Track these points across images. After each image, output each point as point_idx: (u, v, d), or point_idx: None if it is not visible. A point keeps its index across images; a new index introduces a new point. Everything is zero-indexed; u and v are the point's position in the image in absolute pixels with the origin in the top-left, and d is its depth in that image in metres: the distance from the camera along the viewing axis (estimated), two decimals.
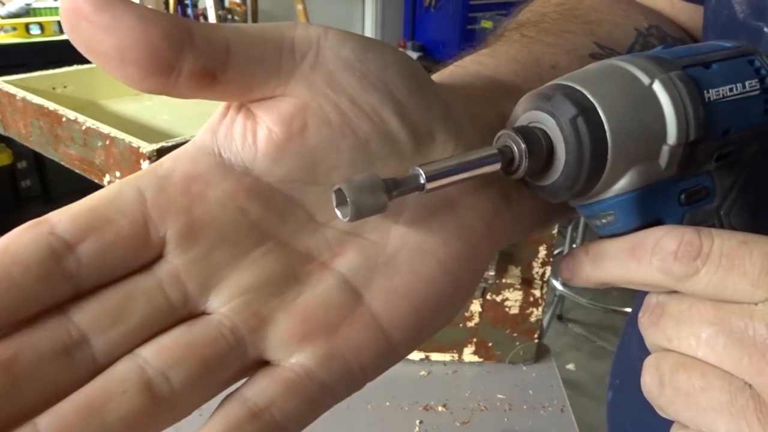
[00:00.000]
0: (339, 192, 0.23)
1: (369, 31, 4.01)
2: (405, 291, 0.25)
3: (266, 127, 0.24)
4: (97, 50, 0.21)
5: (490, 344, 0.85)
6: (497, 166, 0.25)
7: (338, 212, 0.24)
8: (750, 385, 0.23)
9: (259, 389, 0.22)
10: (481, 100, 0.30)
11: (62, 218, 0.22)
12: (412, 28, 4.00)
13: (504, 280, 0.81)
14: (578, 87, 0.25)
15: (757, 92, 0.27)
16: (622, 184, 0.26)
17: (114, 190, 0.23)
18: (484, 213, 0.27)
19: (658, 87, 0.25)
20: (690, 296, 0.25)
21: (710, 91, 0.26)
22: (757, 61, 0.28)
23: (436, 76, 0.31)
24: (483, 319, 0.83)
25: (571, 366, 2.19)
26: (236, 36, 0.23)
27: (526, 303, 0.83)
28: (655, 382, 0.25)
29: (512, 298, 0.82)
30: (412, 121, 0.25)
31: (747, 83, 0.27)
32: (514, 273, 0.81)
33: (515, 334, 0.84)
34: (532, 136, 0.25)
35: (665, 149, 0.26)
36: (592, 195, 0.26)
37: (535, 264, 0.81)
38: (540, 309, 0.83)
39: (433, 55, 3.78)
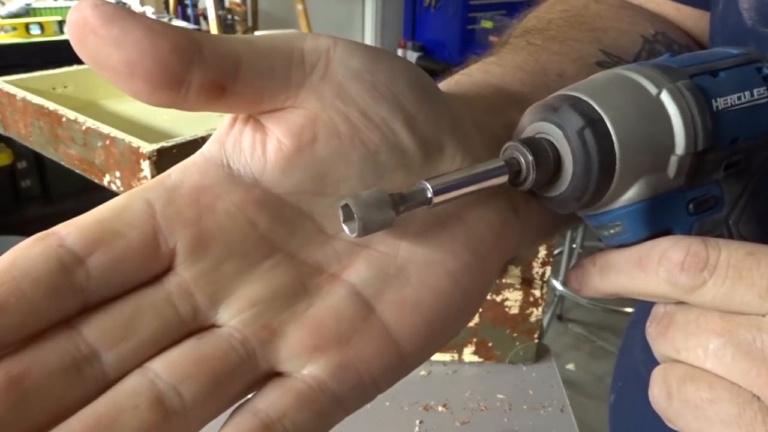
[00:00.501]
0: (346, 208, 0.23)
1: (369, 31, 4.00)
2: (415, 302, 0.24)
3: (276, 139, 0.24)
4: (105, 64, 0.20)
5: (490, 344, 0.85)
6: (504, 179, 0.25)
7: (345, 228, 0.23)
8: (758, 398, 0.23)
9: (270, 400, 0.22)
10: (487, 109, 0.29)
11: (71, 230, 0.21)
12: (412, 28, 4.00)
13: (504, 280, 0.81)
14: (585, 98, 0.25)
15: (766, 100, 0.27)
16: (630, 194, 0.26)
17: (122, 202, 0.22)
18: (492, 224, 0.27)
19: (665, 97, 0.25)
20: (697, 307, 0.25)
21: (718, 99, 0.26)
22: (765, 68, 0.28)
23: (442, 85, 0.31)
24: (483, 319, 0.83)
25: (571, 366, 2.18)
26: (246, 48, 0.22)
27: (526, 303, 0.82)
28: (663, 394, 0.25)
29: (512, 298, 0.82)
30: (421, 132, 0.25)
31: (755, 91, 0.27)
32: (514, 273, 0.81)
33: (515, 334, 0.84)
34: (539, 147, 0.25)
35: (673, 159, 0.26)
36: (600, 206, 0.26)
37: (535, 264, 0.81)
38: (540, 309, 0.83)
39: (433, 55, 3.78)
